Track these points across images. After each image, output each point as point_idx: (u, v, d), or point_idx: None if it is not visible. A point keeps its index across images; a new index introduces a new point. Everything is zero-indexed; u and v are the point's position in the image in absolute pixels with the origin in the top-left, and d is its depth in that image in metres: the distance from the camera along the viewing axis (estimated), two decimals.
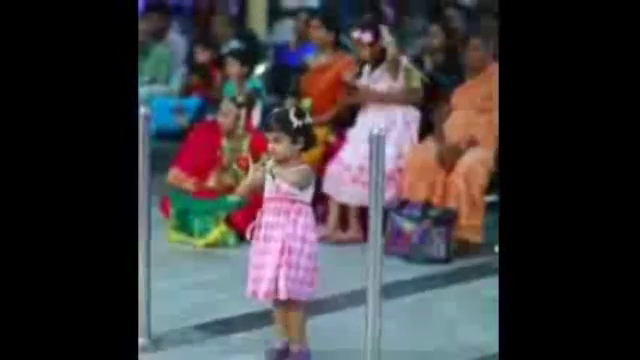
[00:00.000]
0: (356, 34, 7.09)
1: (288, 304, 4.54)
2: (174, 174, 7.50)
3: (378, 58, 7.07)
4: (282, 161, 4.48)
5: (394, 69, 7.03)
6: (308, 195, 4.53)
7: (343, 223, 6.99)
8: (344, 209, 7.00)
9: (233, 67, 7.95)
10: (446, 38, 7.77)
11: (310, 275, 4.50)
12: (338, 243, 6.79)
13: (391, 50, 6.97)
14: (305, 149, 4.54)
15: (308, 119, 4.51)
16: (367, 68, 7.14)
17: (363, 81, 7.16)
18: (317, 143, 4.68)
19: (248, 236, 4.55)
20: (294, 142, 4.47)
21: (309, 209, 4.53)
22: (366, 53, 7.10)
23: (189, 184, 7.32)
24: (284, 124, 4.46)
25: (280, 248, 4.44)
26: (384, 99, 7.06)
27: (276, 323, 4.65)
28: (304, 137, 4.49)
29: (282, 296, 4.45)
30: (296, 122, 4.46)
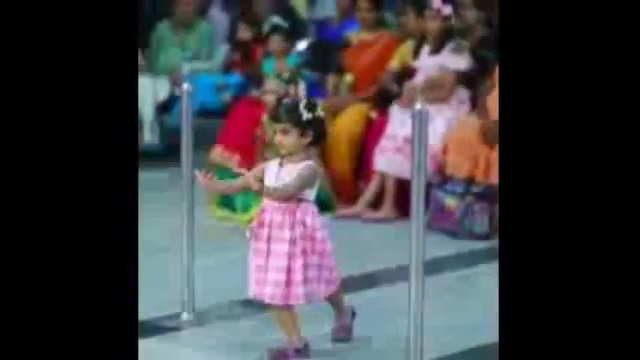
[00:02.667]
0: (435, 4, 6.89)
1: (288, 306, 4.37)
2: (218, 152, 7.55)
3: (444, 35, 6.91)
4: (288, 154, 4.36)
5: (464, 48, 6.89)
6: (313, 193, 4.39)
7: (377, 201, 6.94)
8: (382, 186, 6.95)
9: (276, 44, 7.95)
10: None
11: (325, 273, 4.38)
12: (366, 221, 6.79)
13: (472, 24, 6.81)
14: (314, 143, 4.39)
15: (319, 112, 4.36)
16: (427, 47, 7.00)
17: (423, 62, 7.01)
18: (326, 137, 4.50)
19: (248, 235, 4.42)
20: (302, 135, 4.32)
21: (315, 208, 4.39)
22: (436, 26, 6.92)
23: (233, 163, 7.36)
24: (293, 116, 4.31)
25: (288, 251, 4.30)
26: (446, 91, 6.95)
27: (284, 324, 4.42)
28: (313, 131, 4.34)
29: (301, 301, 4.33)
30: (306, 115, 4.31)
